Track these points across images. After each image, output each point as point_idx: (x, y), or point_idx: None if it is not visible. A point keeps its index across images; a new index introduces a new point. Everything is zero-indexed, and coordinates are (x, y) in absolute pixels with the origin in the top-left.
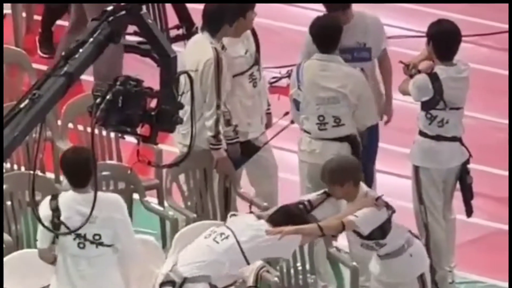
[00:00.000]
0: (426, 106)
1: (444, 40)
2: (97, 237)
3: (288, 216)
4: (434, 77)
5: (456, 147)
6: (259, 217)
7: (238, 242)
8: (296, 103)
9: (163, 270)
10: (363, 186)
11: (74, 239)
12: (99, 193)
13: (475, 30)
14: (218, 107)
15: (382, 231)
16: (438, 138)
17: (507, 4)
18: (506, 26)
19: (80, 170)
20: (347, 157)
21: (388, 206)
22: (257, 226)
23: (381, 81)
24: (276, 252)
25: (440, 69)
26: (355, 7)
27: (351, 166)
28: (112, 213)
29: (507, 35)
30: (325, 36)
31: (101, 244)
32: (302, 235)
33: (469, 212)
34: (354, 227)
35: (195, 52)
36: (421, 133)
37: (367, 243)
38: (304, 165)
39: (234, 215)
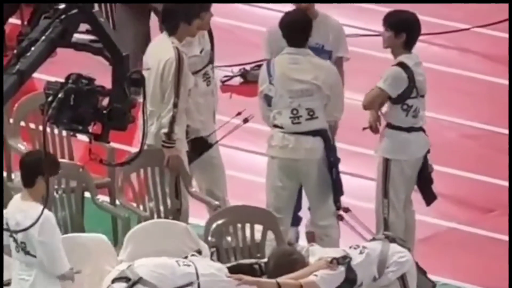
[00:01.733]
0: (402, 97)
1: (415, 31)
2: (23, 245)
3: (241, 274)
4: (403, 66)
5: (422, 136)
6: None
7: (197, 273)
8: (268, 99)
9: (118, 267)
10: (314, 250)
11: (13, 241)
12: (35, 205)
13: (427, 28)
14: (175, 105)
15: (349, 282)
16: (409, 129)
17: (461, 3)
18: (459, 25)
19: (26, 171)
20: (278, 251)
21: (343, 261)
22: (218, 267)
23: None
24: None
25: (406, 58)
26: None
27: (288, 257)
28: (31, 229)
29: (459, 34)
30: (295, 31)
31: (28, 253)
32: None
33: (430, 199)
34: (314, 287)
35: (157, 52)
36: (393, 127)
37: None
38: (275, 161)
39: (194, 255)
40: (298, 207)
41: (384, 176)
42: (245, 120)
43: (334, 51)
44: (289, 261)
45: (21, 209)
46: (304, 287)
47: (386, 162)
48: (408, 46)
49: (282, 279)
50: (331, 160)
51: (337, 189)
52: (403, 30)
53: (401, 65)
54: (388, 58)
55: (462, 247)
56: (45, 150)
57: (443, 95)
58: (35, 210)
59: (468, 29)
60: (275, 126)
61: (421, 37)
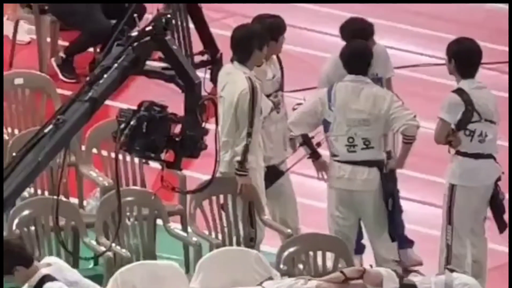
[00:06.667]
0: (463, 123)
1: (465, 58)
2: None
3: None
4: (460, 91)
5: (492, 163)
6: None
7: None
8: (326, 124)
9: None
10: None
11: None
12: None
13: (499, 57)
14: (249, 135)
15: None
16: (476, 156)
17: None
18: None
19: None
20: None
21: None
22: None
23: None
24: None
25: (464, 83)
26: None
27: None
28: None
29: None
30: (357, 59)
31: None
32: None
33: (502, 227)
34: None
35: (230, 83)
36: (460, 153)
37: None
38: (332, 191)
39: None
40: (360, 235)
41: (449, 202)
42: (318, 144)
43: (384, 75)
44: None
45: None
46: None
47: (452, 188)
48: (463, 73)
49: None
50: (388, 191)
51: (393, 221)
52: (452, 57)
53: (457, 91)
54: None
55: None
56: (117, 177)
57: None
58: None
59: None
60: (332, 155)
61: (491, 66)
